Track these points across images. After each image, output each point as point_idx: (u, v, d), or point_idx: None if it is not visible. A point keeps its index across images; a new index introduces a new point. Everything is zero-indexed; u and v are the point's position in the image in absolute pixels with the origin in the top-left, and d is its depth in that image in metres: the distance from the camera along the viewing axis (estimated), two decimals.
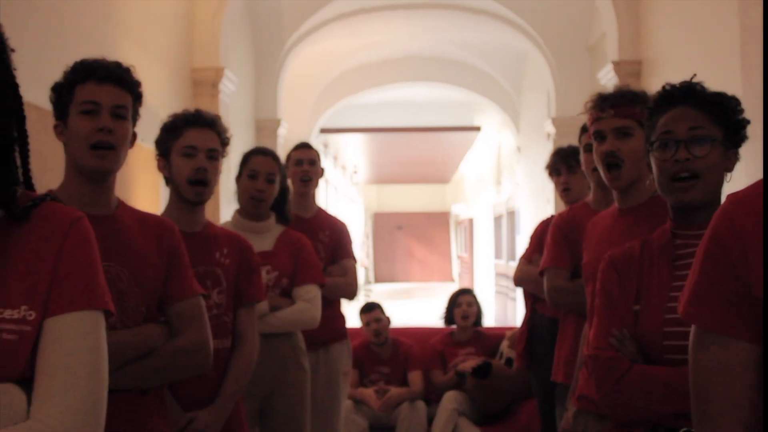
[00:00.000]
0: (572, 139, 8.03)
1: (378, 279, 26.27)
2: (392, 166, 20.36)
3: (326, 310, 3.57)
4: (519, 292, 10.97)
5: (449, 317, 5.16)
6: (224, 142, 2.53)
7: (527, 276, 3.67)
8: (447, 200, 26.41)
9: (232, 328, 2.48)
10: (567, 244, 2.94)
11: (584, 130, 2.96)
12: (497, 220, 14.47)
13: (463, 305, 5.10)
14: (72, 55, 2.02)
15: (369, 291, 21.09)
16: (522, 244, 10.41)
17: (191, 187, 2.44)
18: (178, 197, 2.50)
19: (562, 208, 3.89)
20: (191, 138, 2.45)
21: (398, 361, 5.04)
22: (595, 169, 2.89)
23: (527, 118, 10.18)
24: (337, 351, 3.75)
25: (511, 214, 12.36)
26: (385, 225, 27.01)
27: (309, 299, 3.10)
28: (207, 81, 6.26)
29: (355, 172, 19.82)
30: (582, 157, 2.99)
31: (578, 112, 2.59)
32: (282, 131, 8.27)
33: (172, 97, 5.88)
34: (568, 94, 7.98)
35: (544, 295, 3.54)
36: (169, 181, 2.52)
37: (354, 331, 5.54)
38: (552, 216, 3.82)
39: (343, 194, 18.88)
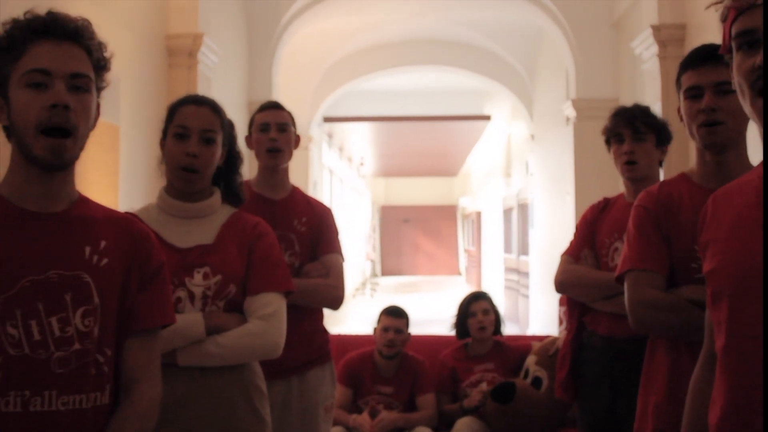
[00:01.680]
0: (595, 123, 6.90)
1: (384, 272, 25.32)
2: (399, 158, 19.36)
3: (302, 323, 2.55)
4: (532, 287, 9.90)
5: (462, 330, 4.04)
6: (100, 64, 1.45)
7: (575, 278, 2.65)
8: (454, 193, 25.53)
9: (113, 373, 1.45)
10: (661, 237, 1.91)
11: (686, 66, 1.93)
12: (507, 213, 13.39)
13: (477, 314, 3.97)
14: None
15: (375, 284, 20.04)
16: (536, 238, 9.31)
17: (43, 137, 1.38)
18: (23, 158, 1.42)
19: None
20: (40, 58, 1.38)
21: (405, 381, 3.91)
22: (705, 125, 1.85)
23: (542, 103, 9.08)
24: (316, 379, 2.68)
25: (523, 207, 11.26)
26: (392, 218, 26.06)
27: (267, 315, 1.99)
28: (183, 50, 5.18)
29: (362, 164, 18.75)
30: (682, 105, 1.95)
31: (707, 5, 1.52)
32: None
33: (142, 67, 4.81)
34: (589, 74, 6.94)
35: (591, 305, 2.64)
36: (10, 132, 1.44)
37: (355, 339, 4.46)
38: (605, 199, 2.77)
39: (350, 186, 17.84)
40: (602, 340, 2.58)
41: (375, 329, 3.96)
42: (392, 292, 19.10)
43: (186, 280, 1.96)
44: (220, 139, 2.07)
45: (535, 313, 9.42)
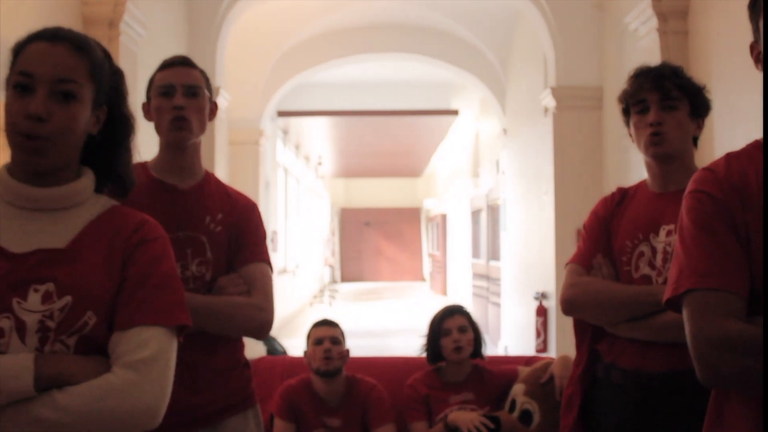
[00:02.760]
0: (576, 113, 6.31)
1: (344, 278, 24.72)
2: (360, 157, 18.76)
3: (215, 356, 1.98)
4: (504, 295, 9.28)
5: (434, 353, 3.39)
6: None
7: (589, 295, 2.11)
8: (418, 195, 25.03)
9: None
10: (737, 239, 1.31)
11: None
12: (475, 215, 12.85)
13: (452, 332, 3.32)
14: None
15: (334, 291, 19.38)
16: (509, 242, 8.74)
17: None
18: None
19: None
20: None
21: (354, 410, 3.28)
22: None
23: (516, 94, 8.53)
24: (235, 430, 2.04)
25: (493, 209, 10.71)
26: (352, 221, 25.44)
27: (140, 362, 1.31)
28: (102, 18, 4.51)
29: (320, 164, 18.10)
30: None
31: None
32: (222, 102, 6.44)
33: None
34: (571, 59, 6.43)
35: (610, 330, 2.10)
36: None
37: (292, 361, 3.85)
38: (621, 190, 2.22)
39: (307, 187, 17.17)
40: (625, 376, 2.06)
41: (305, 352, 3.34)
42: (352, 299, 18.46)
43: (14, 301, 1.33)
44: (88, 94, 1.42)
45: (508, 324, 8.86)
